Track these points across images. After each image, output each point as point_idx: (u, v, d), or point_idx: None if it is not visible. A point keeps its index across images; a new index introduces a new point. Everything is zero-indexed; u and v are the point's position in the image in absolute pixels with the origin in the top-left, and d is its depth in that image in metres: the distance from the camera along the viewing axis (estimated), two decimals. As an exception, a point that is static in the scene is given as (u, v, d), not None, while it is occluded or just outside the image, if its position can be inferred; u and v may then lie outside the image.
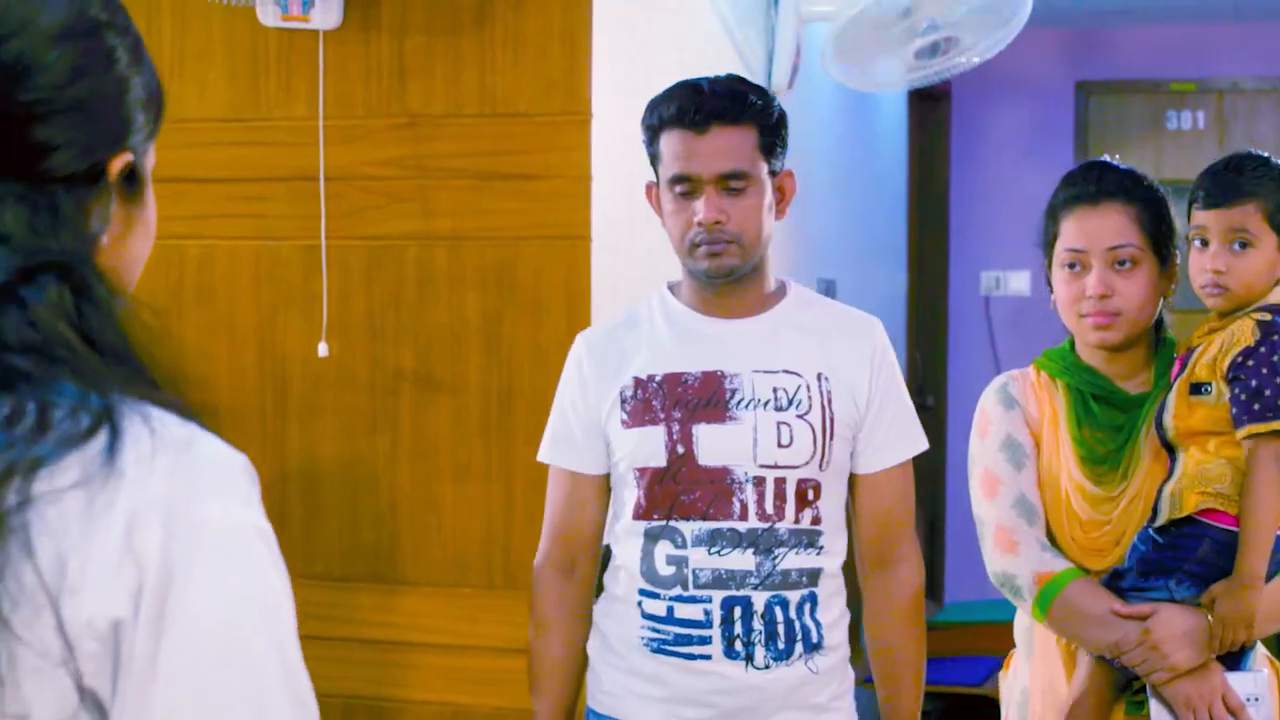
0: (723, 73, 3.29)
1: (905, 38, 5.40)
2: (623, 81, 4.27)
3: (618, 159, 4.21)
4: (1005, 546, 3.22)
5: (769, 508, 3.14)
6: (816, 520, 3.18)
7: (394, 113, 4.24)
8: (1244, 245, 3.10)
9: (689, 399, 3.17)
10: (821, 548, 3.19)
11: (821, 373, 3.19)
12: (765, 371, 3.18)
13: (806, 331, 3.24)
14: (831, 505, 3.21)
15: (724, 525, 3.13)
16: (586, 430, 3.28)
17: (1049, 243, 3.29)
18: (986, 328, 9.01)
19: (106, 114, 1.43)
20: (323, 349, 4.25)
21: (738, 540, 3.13)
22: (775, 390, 3.17)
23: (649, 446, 3.18)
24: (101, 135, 1.42)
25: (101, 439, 1.29)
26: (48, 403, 1.29)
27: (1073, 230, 3.24)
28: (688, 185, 3.16)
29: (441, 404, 4.22)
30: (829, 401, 3.18)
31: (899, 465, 3.28)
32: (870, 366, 3.23)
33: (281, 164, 4.32)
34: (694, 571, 3.13)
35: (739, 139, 3.15)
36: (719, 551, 3.13)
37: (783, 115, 3.23)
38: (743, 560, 3.13)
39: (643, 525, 3.19)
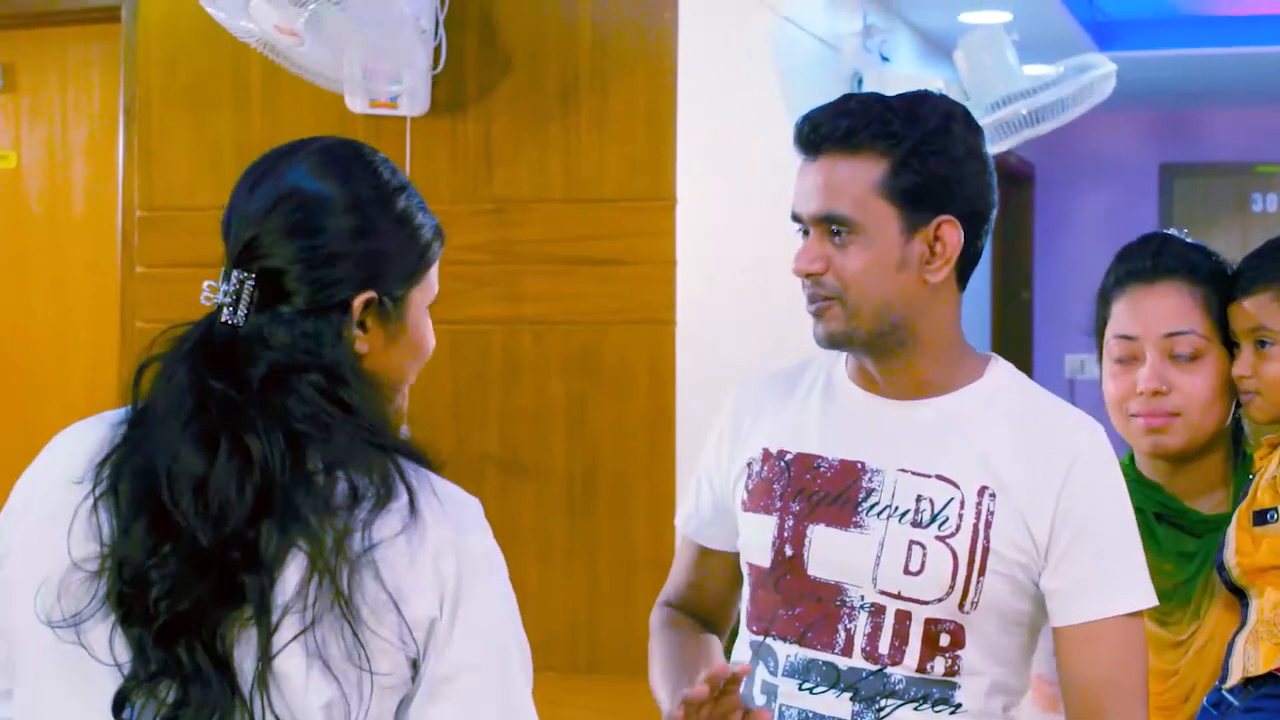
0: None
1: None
2: (708, 166, 4.29)
3: (703, 243, 4.23)
4: (1045, 703, 2.70)
5: (882, 646, 2.41)
6: (952, 672, 2.40)
7: (480, 198, 4.27)
8: (1263, 344, 2.63)
9: (815, 490, 2.48)
10: (958, 707, 2.41)
11: (987, 486, 2.40)
12: (913, 474, 2.43)
13: (984, 429, 2.45)
14: (982, 658, 2.42)
15: (820, 657, 2.44)
16: (718, 501, 2.64)
17: (1099, 329, 2.79)
18: (1071, 411, 8.95)
19: (343, 266, 1.98)
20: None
21: (834, 679, 2.42)
22: (919, 499, 2.42)
23: (759, 539, 2.51)
24: (341, 282, 1.97)
25: (405, 497, 1.91)
26: (350, 476, 1.90)
27: (1124, 314, 2.73)
28: (800, 226, 2.47)
29: (526, 487, 4.23)
30: (986, 525, 2.39)
31: (1103, 621, 2.40)
32: (1062, 486, 2.40)
33: (369, 248, 4.35)
34: (781, 709, 2.46)
35: (849, 173, 2.39)
36: (811, 689, 2.45)
37: (945, 146, 2.41)
38: (837, 706, 2.42)
39: (749, 638, 2.54)
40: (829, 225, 2.40)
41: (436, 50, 4.23)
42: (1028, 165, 8.86)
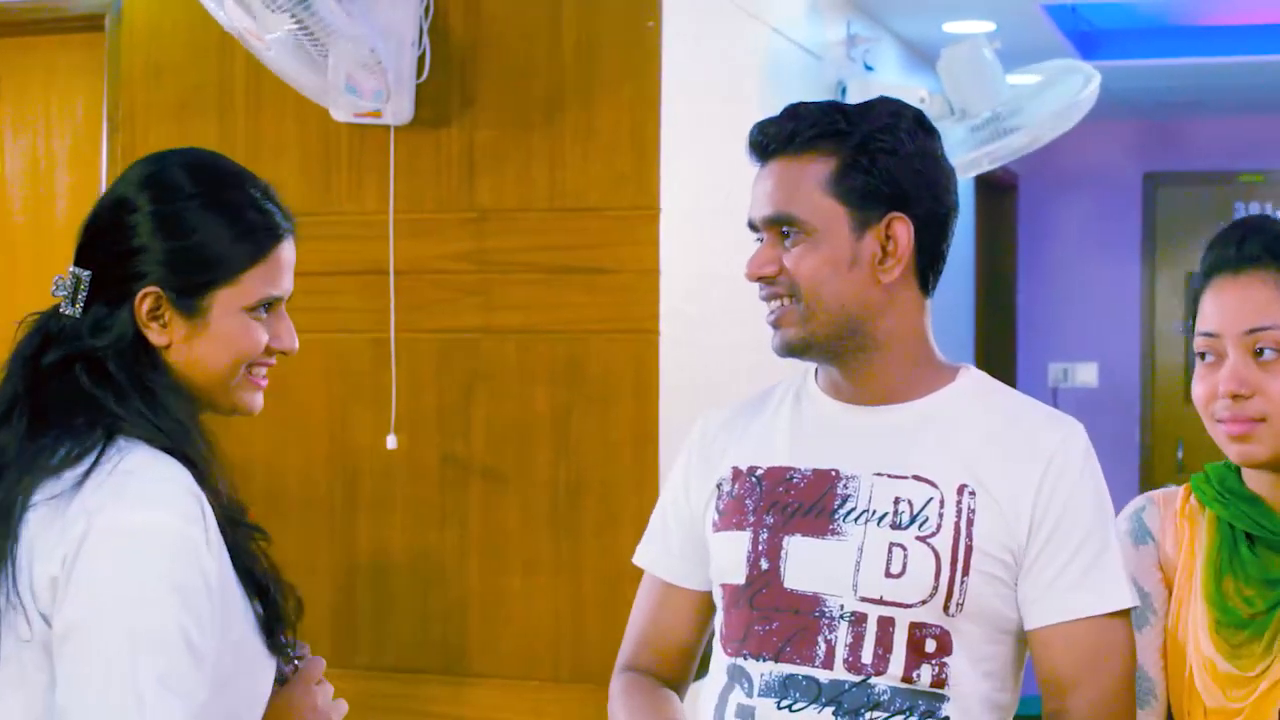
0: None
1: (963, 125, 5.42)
2: (691, 176, 4.30)
3: (687, 253, 4.23)
4: None
5: (865, 656, 2.31)
6: (939, 683, 2.31)
7: (464, 207, 4.27)
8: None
9: (789, 502, 2.40)
10: None
11: (966, 485, 2.34)
12: (889, 476, 2.37)
13: (961, 430, 2.40)
14: (970, 667, 2.34)
15: (800, 671, 2.34)
16: (687, 532, 2.55)
17: (1192, 327, 2.45)
18: (1055, 419, 8.95)
19: (135, 263, 2.17)
20: (391, 441, 4.27)
21: (815, 693, 2.32)
22: (897, 501, 2.35)
23: (732, 556, 2.42)
24: (130, 279, 2.16)
25: (83, 468, 2.04)
26: (68, 442, 2.07)
27: (1207, 307, 2.39)
28: (756, 234, 2.47)
29: (510, 497, 4.23)
30: (968, 523, 2.32)
31: (1084, 621, 2.33)
32: (1043, 481, 2.34)
33: (352, 258, 4.35)
34: None
35: (797, 173, 2.39)
36: (790, 706, 2.34)
37: (893, 145, 2.38)
38: None
39: (724, 661, 2.43)
40: (780, 227, 2.39)
41: (421, 59, 4.23)
42: (1011, 174, 8.88)
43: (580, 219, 4.17)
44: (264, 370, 2.30)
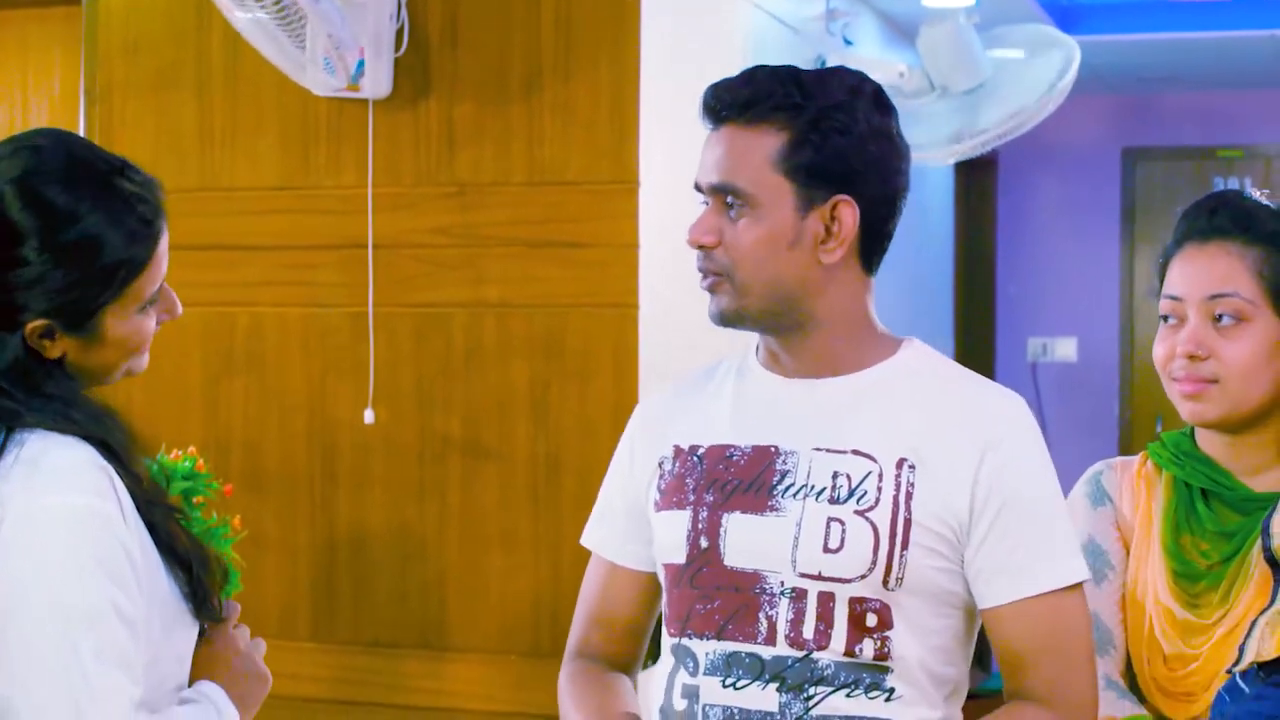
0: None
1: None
2: (670, 150, 4.29)
3: (666, 227, 4.22)
4: None
5: (806, 631, 2.29)
6: (882, 656, 2.29)
7: (443, 181, 4.27)
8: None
9: (728, 479, 2.37)
10: (890, 692, 2.30)
11: (905, 458, 2.30)
12: (828, 450, 2.33)
13: (901, 403, 2.36)
14: (914, 640, 2.31)
15: (743, 649, 2.31)
16: (630, 513, 2.51)
17: (1159, 291, 2.59)
18: (1034, 395, 8.97)
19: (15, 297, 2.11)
20: (369, 416, 4.26)
21: (758, 670, 2.30)
22: (835, 476, 2.31)
23: (673, 536, 2.39)
24: (9, 311, 2.10)
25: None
26: None
27: (1173, 273, 2.53)
28: (701, 197, 2.41)
29: (489, 472, 4.23)
30: (907, 497, 2.29)
31: (1038, 598, 2.30)
32: (985, 456, 2.30)
33: (331, 232, 4.34)
34: (704, 709, 2.33)
35: (747, 144, 2.33)
36: (734, 684, 2.31)
37: (848, 124, 2.32)
38: (763, 699, 2.30)
39: (669, 642, 2.41)
40: (725, 196, 2.34)
41: (399, 33, 4.22)
42: (989, 151, 8.88)
43: (559, 193, 4.17)
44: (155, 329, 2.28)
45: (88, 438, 2.09)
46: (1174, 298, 2.51)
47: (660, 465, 2.46)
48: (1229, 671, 2.31)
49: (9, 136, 2.21)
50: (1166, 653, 2.46)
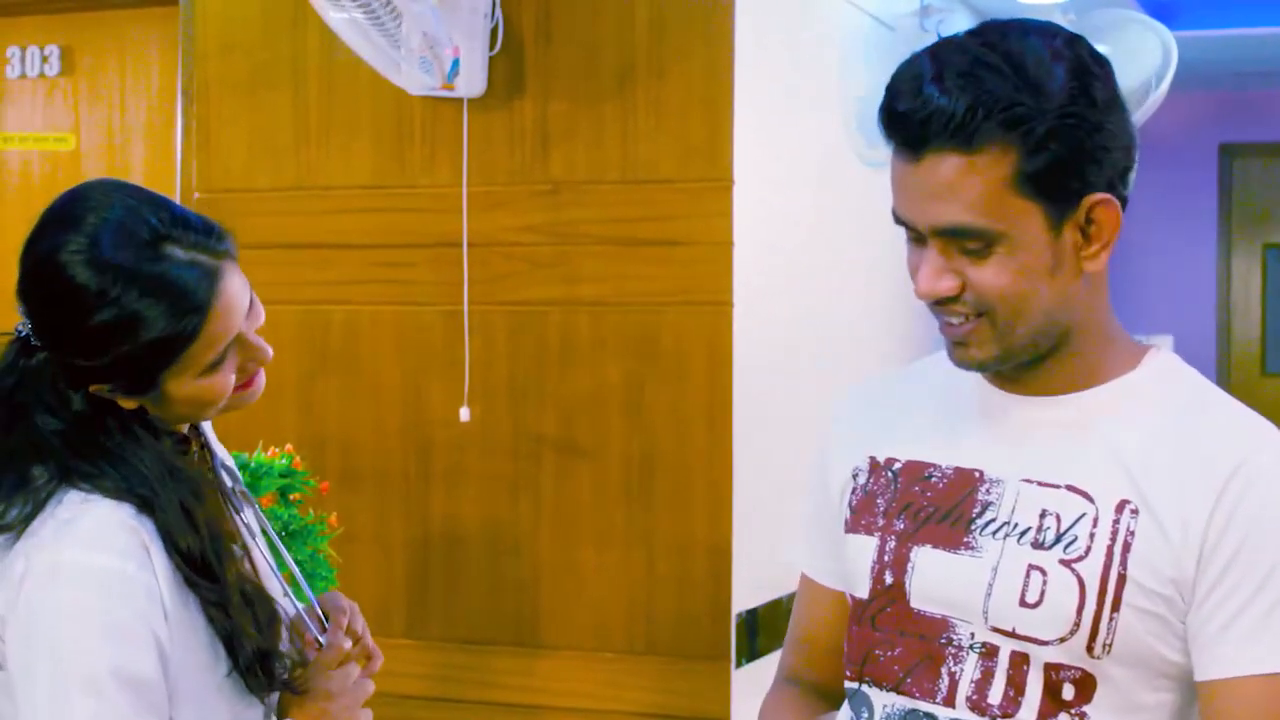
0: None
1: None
2: (764, 147, 4.28)
3: (759, 224, 4.22)
4: None
5: (993, 696, 1.97)
6: None
7: (537, 179, 4.27)
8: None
9: (923, 505, 2.07)
10: None
11: (1128, 501, 1.94)
12: (1039, 484, 2.00)
13: (1130, 430, 1.99)
14: (1117, 718, 1.96)
15: (920, 706, 2.03)
16: (825, 525, 2.24)
17: None
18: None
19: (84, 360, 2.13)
20: (464, 414, 4.27)
21: None
22: (1043, 515, 1.98)
23: (859, 565, 2.12)
24: (78, 374, 2.13)
25: (30, 509, 2.07)
26: (23, 490, 2.08)
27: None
28: (909, 231, 2.01)
29: (583, 469, 4.23)
30: (1124, 549, 1.93)
31: (1262, 678, 1.89)
32: (1220, 500, 1.91)
33: (425, 230, 4.36)
34: None
35: (973, 172, 1.90)
36: None
37: (1086, 112, 1.91)
38: None
39: (848, 687, 2.15)
40: (957, 239, 1.94)
41: (494, 31, 4.23)
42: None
43: (653, 191, 4.16)
44: (247, 376, 2.25)
45: (132, 498, 2.09)
46: None
47: (854, 478, 2.19)
48: None
49: (57, 198, 2.16)
50: None
